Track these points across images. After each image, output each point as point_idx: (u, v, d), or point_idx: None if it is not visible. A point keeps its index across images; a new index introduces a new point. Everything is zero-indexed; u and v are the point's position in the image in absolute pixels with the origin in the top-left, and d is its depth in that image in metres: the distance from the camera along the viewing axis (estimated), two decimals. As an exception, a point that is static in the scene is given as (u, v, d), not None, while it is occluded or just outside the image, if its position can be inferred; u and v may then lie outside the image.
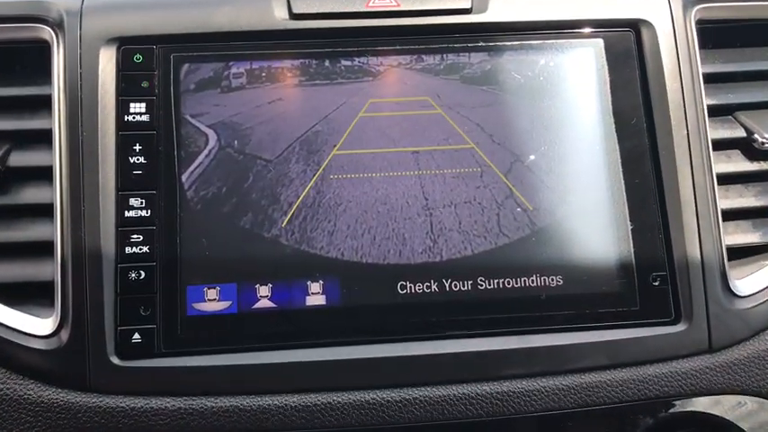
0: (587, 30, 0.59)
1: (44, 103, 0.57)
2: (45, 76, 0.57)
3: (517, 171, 0.56)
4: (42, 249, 0.55)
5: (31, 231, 0.56)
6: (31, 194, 0.57)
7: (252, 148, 0.55)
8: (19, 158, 0.57)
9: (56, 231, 0.54)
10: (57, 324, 0.53)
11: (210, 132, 0.56)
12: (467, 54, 0.58)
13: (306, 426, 0.52)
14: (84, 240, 0.53)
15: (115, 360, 0.52)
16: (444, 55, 0.58)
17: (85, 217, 0.54)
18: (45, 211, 0.56)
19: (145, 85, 0.56)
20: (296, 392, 0.52)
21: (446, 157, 0.55)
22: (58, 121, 0.56)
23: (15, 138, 0.58)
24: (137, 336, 0.53)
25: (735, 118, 0.61)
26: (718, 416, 0.55)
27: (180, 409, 0.52)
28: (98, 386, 0.52)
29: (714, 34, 0.62)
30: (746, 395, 0.56)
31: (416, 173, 0.55)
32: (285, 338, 0.53)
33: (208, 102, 0.56)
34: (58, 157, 0.55)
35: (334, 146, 0.55)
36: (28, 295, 0.55)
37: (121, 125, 0.55)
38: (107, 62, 0.55)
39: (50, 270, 0.54)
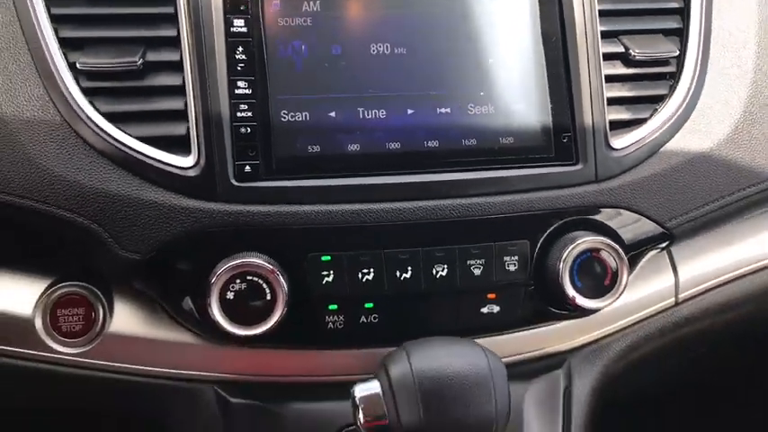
0: None
1: (169, 18, 0.86)
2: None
3: (485, 69, 0.88)
4: (177, 116, 0.85)
5: (168, 104, 0.85)
6: (165, 79, 0.85)
7: (327, 42, 0.84)
8: (154, 55, 0.86)
9: (189, 102, 0.83)
10: (195, 161, 0.82)
11: (292, 35, 0.85)
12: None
13: (358, 221, 0.82)
14: (210, 108, 0.82)
15: (234, 182, 0.83)
16: None
17: (209, 93, 0.83)
18: (176, 92, 0.85)
19: (243, 8, 0.85)
20: (350, 203, 0.84)
21: None
22: (185, 29, 0.84)
23: (149, 42, 0.86)
24: (247, 167, 0.83)
25: (618, 39, 0.94)
26: (600, 220, 0.90)
27: (275, 212, 0.83)
28: (224, 198, 0.82)
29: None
30: (620, 208, 0.90)
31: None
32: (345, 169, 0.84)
33: (291, 14, 0.85)
34: (187, 53, 0.84)
35: None
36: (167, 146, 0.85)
37: (228, 33, 0.84)
38: None
39: (185, 128, 0.84)
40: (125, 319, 0.89)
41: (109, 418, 0.95)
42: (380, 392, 0.71)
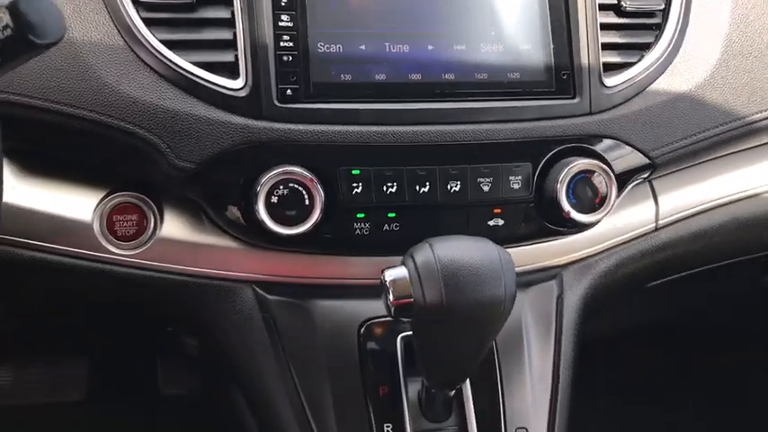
0: None
1: None
2: None
3: (496, 13, 1.01)
4: (226, 45, 0.95)
5: (219, 34, 0.95)
6: (216, 12, 0.95)
7: None
8: None
9: (238, 33, 0.93)
10: (243, 83, 0.93)
11: None
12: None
13: (383, 141, 0.94)
14: (257, 38, 0.93)
15: (277, 103, 0.94)
16: None
17: (256, 25, 0.94)
18: (226, 24, 0.96)
19: None
20: (376, 125, 0.95)
21: None
22: None
23: None
24: (288, 91, 0.94)
25: None
26: (593, 148, 1.02)
27: (312, 130, 0.94)
28: (268, 117, 0.93)
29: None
30: (610, 138, 1.03)
31: None
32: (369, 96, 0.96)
33: None
34: None
35: None
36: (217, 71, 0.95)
37: None
38: None
39: (233, 55, 0.94)
40: (174, 225, 1.00)
41: (156, 313, 1.06)
42: (407, 276, 0.83)
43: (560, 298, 1.07)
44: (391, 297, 0.83)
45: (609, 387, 1.92)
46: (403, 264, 0.84)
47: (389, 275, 0.83)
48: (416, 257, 0.83)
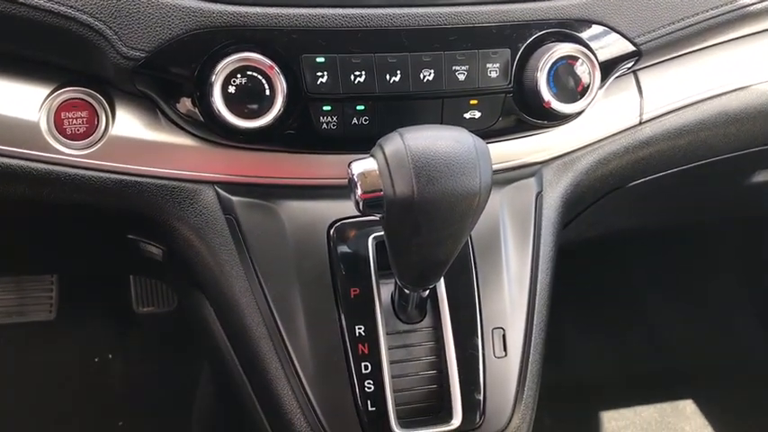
0: None
1: None
2: None
3: None
4: None
5: None
6: None
7: None
8: None
9: None
10: None
11: None
12: None
13: (350, 25, 0.87)
14: None
15: None
16: None
17: None
18: None
19: None
20: (342, 7, 0.87)
21: None
22: None
23: None
24: None
25: None
26: (575, 34, 0.96)
27: (272, 14, 0.85)
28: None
29: None
30: (593, 23, 0.96)
31: None
32: None
33: None
34: None
35: None
36: None
37: None
38: None
39: None
40: (127, 123, 0.93)
41: (112, 217, 1.00)
42: (376, 168, 0.77)
43: (540, 196, 1.02)
44: (359, 191, 0.77)
45: (589, 291, 1.92)
46: (372, 155, 0.78)
47: (357, 168, 0.78)
48: (386, 148, 0.77)
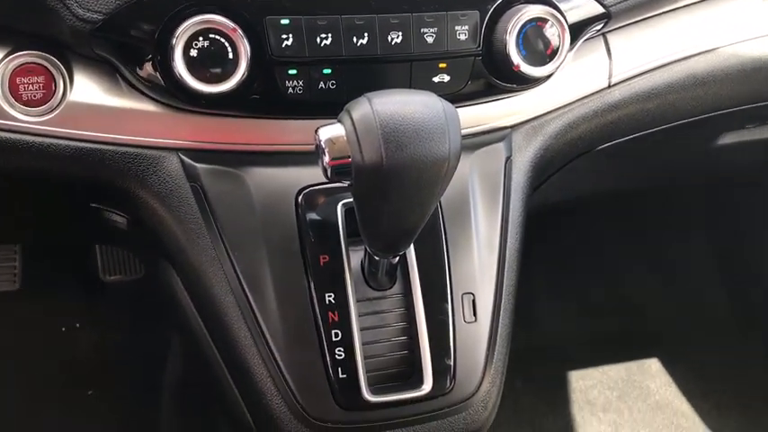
0: None
1: None
2: None
3: None
4: None
5: None
6: None
7: None
8: None
9: None
10: None
11: None
12: None
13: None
14: None
15: None
16: None
17: None
18: None
19: None
20: None
21: None
22: None
23: None
24: None
25: None
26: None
27: None
28: None
29: None
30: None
31: None
32: None
33: None
34: None
35: None
36: None
37: None
38: None
39: None
40: (86, 88, 0.90)
41: (74, 185, 0.98)
42: (344, 133, 0.75)
43: (509, 161, 1.01)
44: (327, 158, 0.75)
45: (558, 254, 1.94)
46: (339, 121, 0.77)
47: (324, 134, 0.76)
48: (353, 113, 0.75)
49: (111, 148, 0.91)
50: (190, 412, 1.67)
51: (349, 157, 0.75)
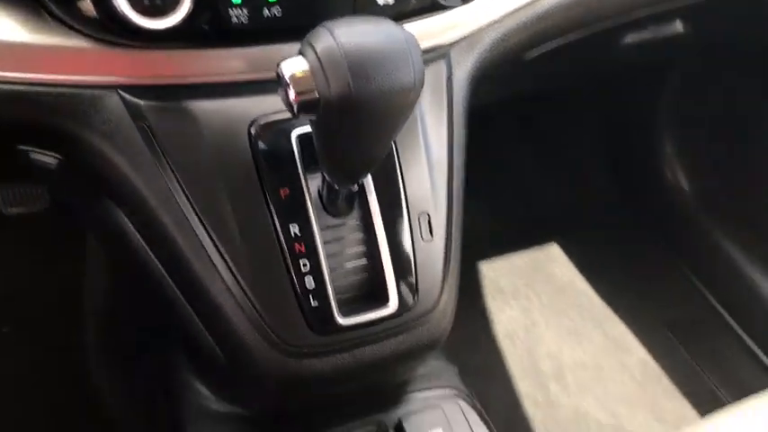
0: None
1: None
2: None
3: None
4: None
5: None
6: None
7: None
8: None
9: None
10: None
11: None
12: None
13: None
14: None
15: None
16: None
17: None
18: None
19: None
20: None
21: None
22: None
23: None
24: None
25: None
26: None
27: None
28: None
29: None
30: None
31: None
32: None
33: None
34: None
35: None
36: None
37: None
38: None
39: None
40: (7, 26, 0.82)
41: (9, 131, 0.91)
42: (308, 67, 0.74)
43: (450, 79, 1.03)
44: (292, 93, 0.74)
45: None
46: (301, 53, 0.74)
47: (288, 68, 0.74)
48: (317, 46, 0.73)
49: (43, 89, 0.85)
50: (119, 349, 1.65)
51: (315, 91, 0.74)
